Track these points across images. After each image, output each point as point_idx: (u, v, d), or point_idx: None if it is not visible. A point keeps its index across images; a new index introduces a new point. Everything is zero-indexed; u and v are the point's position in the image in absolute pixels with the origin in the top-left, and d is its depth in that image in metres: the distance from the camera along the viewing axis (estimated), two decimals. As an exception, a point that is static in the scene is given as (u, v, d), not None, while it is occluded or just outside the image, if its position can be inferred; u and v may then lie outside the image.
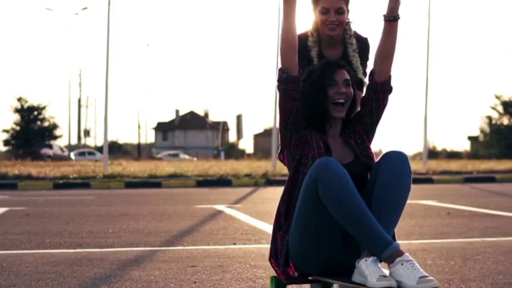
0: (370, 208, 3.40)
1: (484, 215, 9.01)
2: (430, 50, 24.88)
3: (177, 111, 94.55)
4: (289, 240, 3.56)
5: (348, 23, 4.03)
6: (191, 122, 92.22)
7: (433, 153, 52.59)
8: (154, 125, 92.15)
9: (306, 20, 4.03)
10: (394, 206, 3.47)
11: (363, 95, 3.81)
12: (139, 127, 78.67)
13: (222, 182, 18.72)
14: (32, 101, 61.51)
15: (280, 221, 3.64)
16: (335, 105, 3.62)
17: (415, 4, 45.94)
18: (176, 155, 64.74)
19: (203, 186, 18.02)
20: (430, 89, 27.33)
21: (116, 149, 72.52)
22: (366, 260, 3.34)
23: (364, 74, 4.06)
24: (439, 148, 65.04)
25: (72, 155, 53.60)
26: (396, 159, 3.52)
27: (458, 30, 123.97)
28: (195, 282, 4.50)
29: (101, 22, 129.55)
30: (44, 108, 60.65)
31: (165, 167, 24.92)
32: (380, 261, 3.36)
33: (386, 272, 3.34)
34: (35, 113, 60.58)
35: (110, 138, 66.52)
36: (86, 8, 62.68)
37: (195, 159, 56.23)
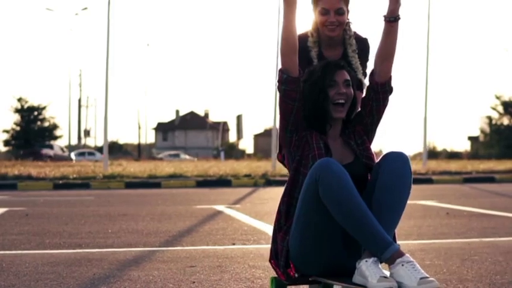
0: (370, 209, 3.40)
1: (482, 215, 9.01)
2: (430, 50, 24.89)
3: (177, 112, 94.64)
4: (289, 241, 3.56)
5: (348, 24, 4.03)
6: (191, 122, 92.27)
7: (433, 154, 52.58)
8: (155, 125, 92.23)
9: (306, 20, 4.03)
10: (395, 207, 3.46)
11: (363, 95, 3.81)
12: (139, 127, 78.55)
13: (222, 182, 18.71)
14: (32, 101, 61.75)
15: (280, 222, 3.64)
16: (335, 105, 3.61)
17: (415, 5, 45.98)
18: (177, 155, 64.73)
19: (203, 187, 18.02)
20: (430, 89, 27.36)
21: (116, 149, 72.54)
22: (366, 261, 3.34)
23: (364, 74, 4.06)
24: (439, 148, 64.97)
25: (72, 155, 53.59)
26: (397, 160, 3.51)
27: (458, 30, 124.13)
28: (194, 282, 4.50)
29: (101, 22, 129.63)
30: (44, 108, 60.65)
31: (165, 168, 24.92)
32: (380, 262, 3.36)
33: (387, 273, 3.34)
34: (35, 113, 60.57)
35: (110, 138, 66.78)
36: (86, 8, 62.73)
37: (196, 159, 56.20)
